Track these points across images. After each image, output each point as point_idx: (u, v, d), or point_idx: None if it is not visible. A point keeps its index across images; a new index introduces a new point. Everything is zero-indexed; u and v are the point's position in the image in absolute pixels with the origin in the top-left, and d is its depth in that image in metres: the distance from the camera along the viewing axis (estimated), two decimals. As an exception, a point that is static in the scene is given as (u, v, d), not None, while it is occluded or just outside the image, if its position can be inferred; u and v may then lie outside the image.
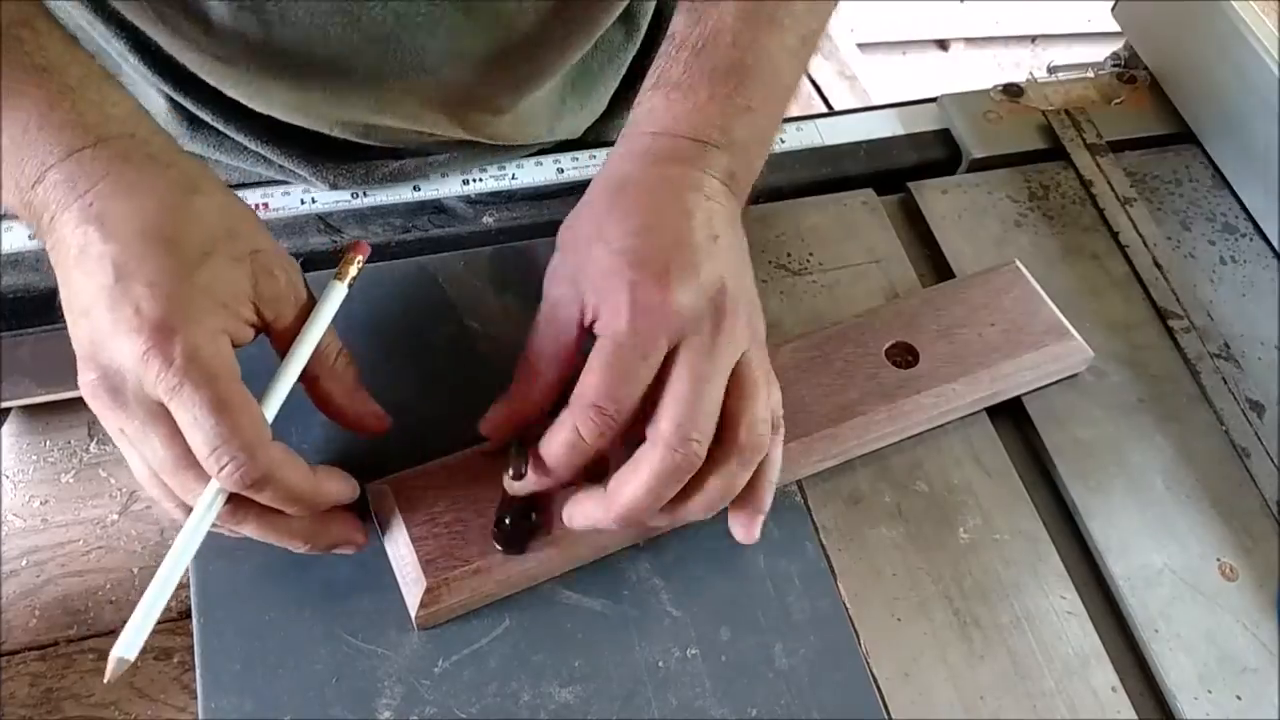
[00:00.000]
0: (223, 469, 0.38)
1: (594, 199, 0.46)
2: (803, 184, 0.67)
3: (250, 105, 0.57)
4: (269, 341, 0.44)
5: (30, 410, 1.57)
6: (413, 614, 0.45)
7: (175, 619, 1.34)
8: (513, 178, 0.64)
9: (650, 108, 0.47)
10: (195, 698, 0.45)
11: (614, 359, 0.41)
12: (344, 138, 0.60)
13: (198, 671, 0.45)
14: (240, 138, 0.60)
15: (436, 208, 0.64)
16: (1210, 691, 0.48)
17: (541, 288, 0.47)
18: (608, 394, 0.41)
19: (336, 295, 0.46)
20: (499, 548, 0.46)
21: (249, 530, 0.43)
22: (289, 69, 0.53)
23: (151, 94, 0.60)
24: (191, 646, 0.46)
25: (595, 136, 0.69)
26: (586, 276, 0.44)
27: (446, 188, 0.63)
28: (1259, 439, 0.56)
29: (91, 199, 0.40)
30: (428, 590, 0.45)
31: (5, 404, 1.47)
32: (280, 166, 0.62)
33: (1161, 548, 0.52)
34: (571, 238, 0.46)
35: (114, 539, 1.45)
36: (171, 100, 0.60)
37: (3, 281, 0.58)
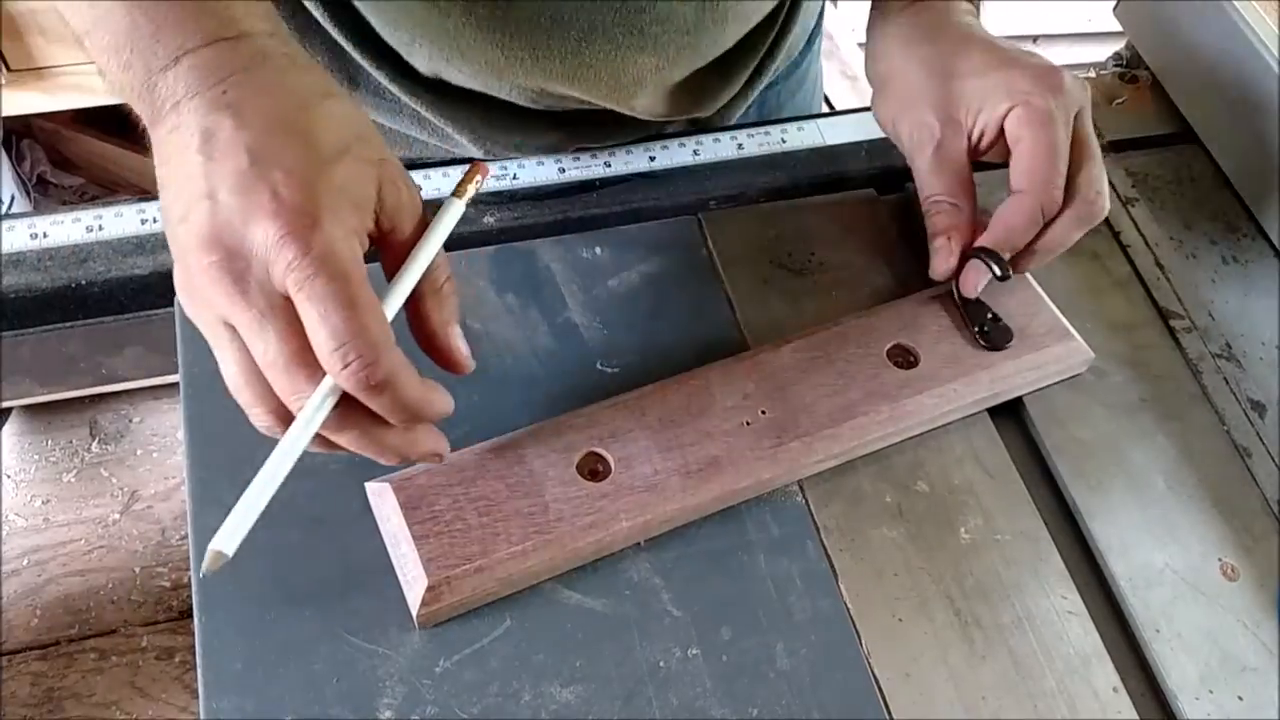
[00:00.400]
0: (347, 366, 0.37)
1: (921, 55, 0.58)
2: (804, 184, 0.67)
3: (444, 64, 0.58)
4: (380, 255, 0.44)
5: (31, 410, 1.57)
6: (414, 613, 0.45)
7: (176, 618, 1.35)
8: (513, 178, 0.64)
9: None
10: (196, 697, 0.45)
11: (1050, 141, 0.52)
12: (520, 103, 0.61)
13: (199, 671, 0.45)
14: (403, 95, 0.61)
15: (437, 208, 0.64)
16: (1211, 691, 0.48)
17: (542, 286, 0.47)
18: (1059, 170, 0.52)
19: (455, 211, 0.45)
20: (994, 349, 0.55)
21: (347, 440, 0.41)
22: (507, 30, 0.55)
23: (316, 43, 0.60)
24: (193, 646, 0.46)
25: (721, 118, 0.71)
26: (967, 101, 0.55)
27: (447, 187, 0.63)
28: (1260, 439, 0.56)
29: (226, 88, 0.39)
30: (429, 589, 0.45)
31: (6, 404, 1.47)
32: (436, 128, 0.63)
33: (1163, 548, 0.52)
34: (912, 89, 0.58)
35: (115, 538, 1.45)
36: (335, 50, 0.60)
37: (3, 281, 0.58)
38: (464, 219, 0.64)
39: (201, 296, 0.39)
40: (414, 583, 0.45)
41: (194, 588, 0.46)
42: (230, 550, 0.39)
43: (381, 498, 0.47)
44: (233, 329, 0.39)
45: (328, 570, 0.47)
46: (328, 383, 0.38)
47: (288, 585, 0.47)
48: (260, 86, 0.40)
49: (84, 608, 1.38)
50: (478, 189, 0.47)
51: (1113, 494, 0.54)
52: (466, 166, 0.48)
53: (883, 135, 0.61)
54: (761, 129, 0.68)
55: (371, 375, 0.38)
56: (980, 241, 0.55)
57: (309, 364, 0.38)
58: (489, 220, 0.64)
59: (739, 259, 0.59)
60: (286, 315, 0.38)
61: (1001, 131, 0.54)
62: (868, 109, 0.64)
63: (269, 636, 0.45)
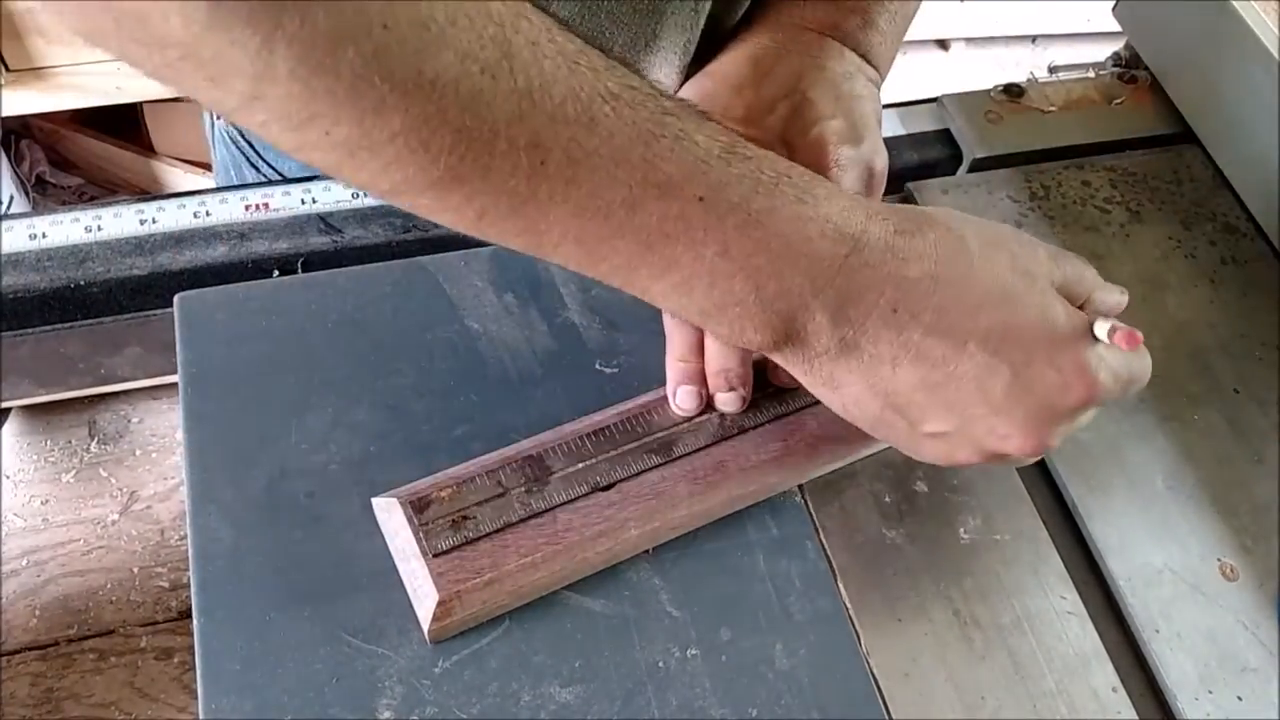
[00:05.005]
0: None
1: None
2: (803, 184, 0.67)
3: None
4: None
5: (31, 410, 1.57)
6: (425, 628, 0.45)
7: (175, 619, 1.35)
8: (513, 178, 0.64)
9: None
10: (195, 698, 0.45)
11: None
12: None
13: (198, 671, 0.45)
14: None
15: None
16: (1211, 692, 0.48)
17: (541, 286, 0.48)
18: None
19: None
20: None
21: None
22: None
23: None
24: (192, 646, 0.46)
25: None
26: None
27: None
28: (1260, 439, 0.56)
29: (896, 306, 0.40)
30: (440, 603, 0.44)
31: (5, 404, 1.47)
32: None
33: (1162, 548, 0.52)
34: None
35: (114, 539, 1.45)
36: None
37: (2, 282, 0.58)
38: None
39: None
40: (424, 598, 0.45)
41: (193, 588, 0.46)
42: None
43: (389, 513, 0.47)
44: None
45: (327, 571, 0.47)
46: None
47: (287, 585, 0.46)
48: (930, 288, 0.40)
49: (83, 608, 1.38)
50: None
51: (1112, 494, 0.53)
52: None
53: (883, 135, 0.61)
54: (761, 129, 0.68)
55: None
56: None
57: None
58: (488, 220, 0.64)
59: (738, 259, 0.59)
60: None
61: None
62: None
63: (268, 637, 0.45)
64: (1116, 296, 0.46)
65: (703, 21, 0.55)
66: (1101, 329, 0.42)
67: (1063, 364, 0.41)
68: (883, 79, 0.54)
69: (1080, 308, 0.44)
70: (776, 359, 0.43)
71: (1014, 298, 0.41)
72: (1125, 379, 0.43)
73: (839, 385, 0.43)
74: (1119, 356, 0.43)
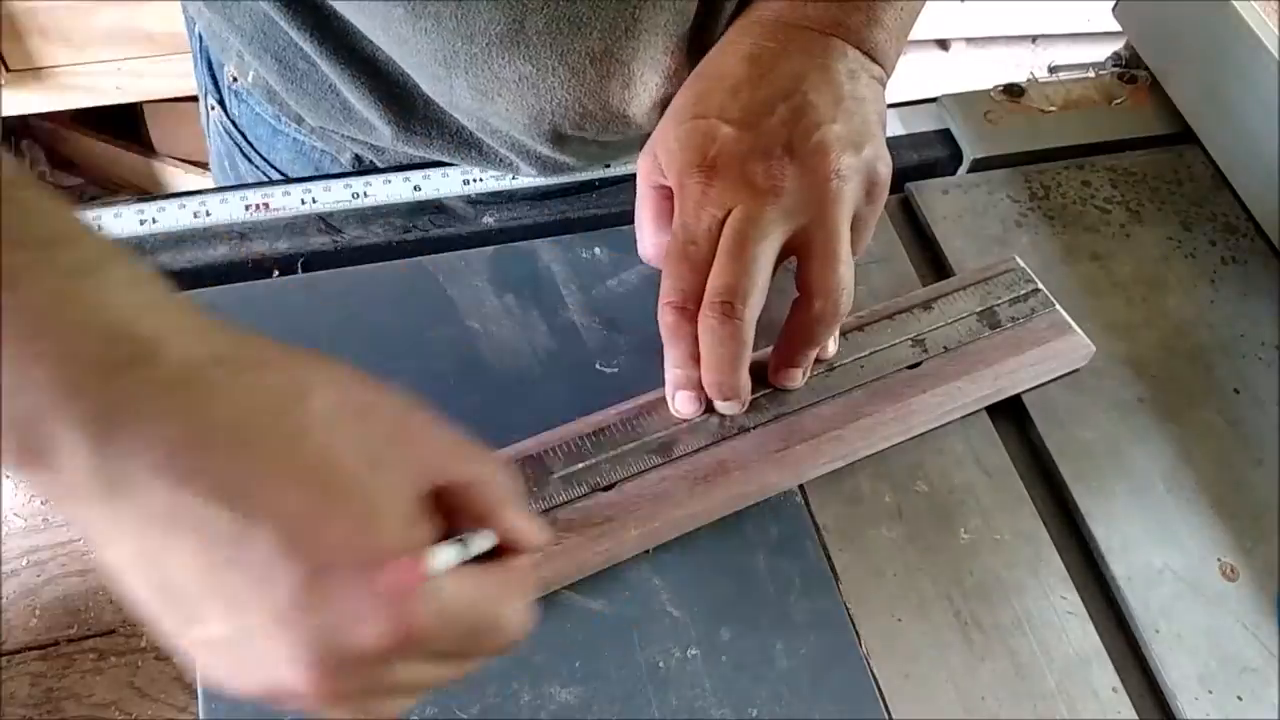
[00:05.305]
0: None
1: None
2: (803, 184, 0.67)
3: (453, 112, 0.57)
4: None
5: (31, 410, 1.56)
6: None
7: (175, 619, 1.34)
8: (513, 178, 0.64)
9: None
10: (195, 697, 0.45)
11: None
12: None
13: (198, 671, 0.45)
14: (462, 134, 0.60)
15: (437, 207, 0.64)
16: (1211, 692, 0.48)
17: (541, 286, 0.47)
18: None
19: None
20: None
21: None
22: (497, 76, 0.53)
23: (374, 117, 0.59)
24: (192, 647, 0.46)
25: None
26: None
27: (447, 187, 0.63)
28: (1260, 439, 0.56)
29: (169, 449, 0.30)
30: None
31: (5, 404, 1.47)
32: (498, 156, 0.61)
33: (1162, 548, 0.52)
34: None
35: (114, 539, 1.45)
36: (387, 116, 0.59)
37: (2, 282, 0.58)
38: (464, 219, 0.64)
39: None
40: None
41: (193, 588, 0.46)
42: None
43: None
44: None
45: (327, 570, 0.47)
46: None
47: (287, 585, 0.46)
48: (232, 440, 0.30)
49: (83, 608, 1.38)
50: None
51: (1112, 494, 0.53)
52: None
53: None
54: (761, 129, 0.68)
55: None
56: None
57: None
58: (489, 220, 0.64)
59: (738, 259, 0.59)
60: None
61: None
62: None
63: (268, 637, 0.45)
64: (530, 533, 0.36)
65: (693, 6, 0.54)
66: (448, 554, 0.33)
67: (374, 585, 0.30)
68: (888, 76, 0.53)
69: (481, 519, 0.35)
70: (34, 487, 0.30)
71: (343, 486, 0.31)
72: (467, 626, 0.33)
73: (107, 543, 0.30)
74: (468, 594, 0.33)
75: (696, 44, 0.55)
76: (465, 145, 0.61)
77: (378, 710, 0.33)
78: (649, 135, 0.53)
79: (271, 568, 0.29)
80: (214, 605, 0.30)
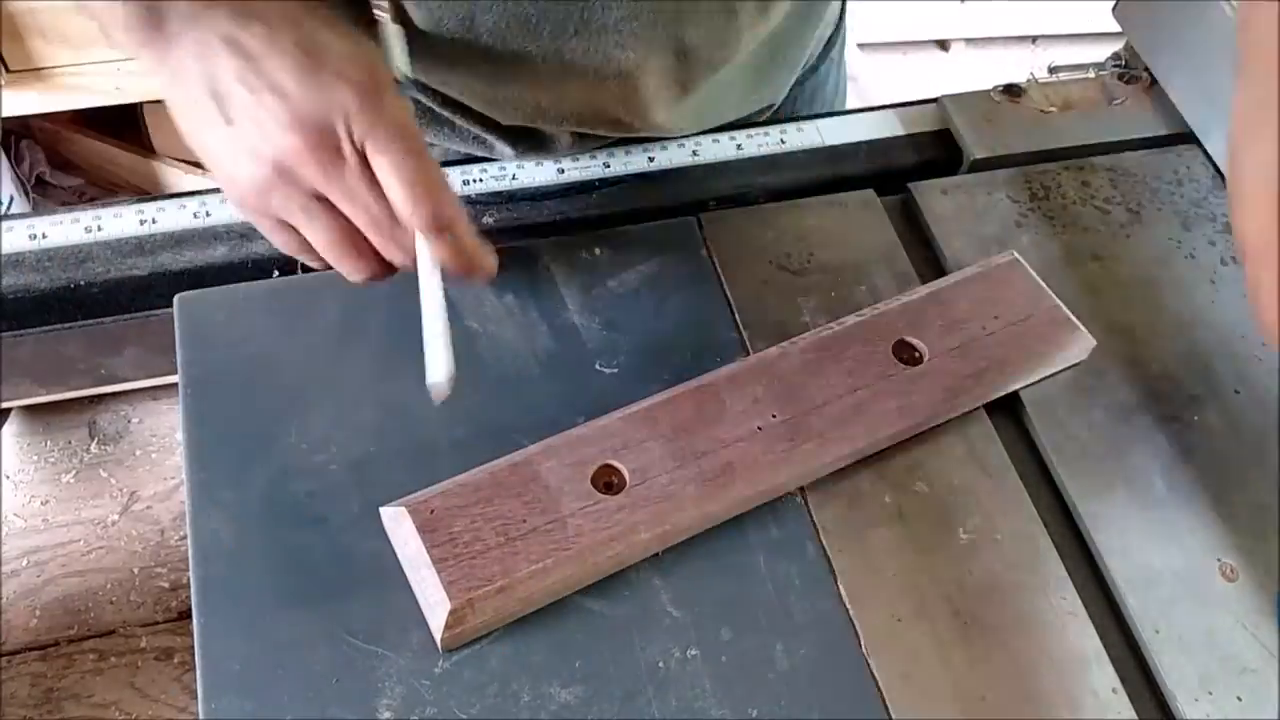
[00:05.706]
0: (418, 208, 0.43)
1: None
2: (803, 184, 0.67)
3: (459, 98, 0.61)
4: None
5: (31, 410, 1.57)
6: (438, 637, 0.45)
7: (175, 619, 1.35)
8: (513, 178, 0.64)
9: None
10: (195, 698, 0.45)
11: None
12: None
13: (198, 671, 0.45)
14: (464, 124, 0.64)
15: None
16: (1211, 693, 0.48)
17: (541, 286, 0.49)
18: None
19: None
20: None
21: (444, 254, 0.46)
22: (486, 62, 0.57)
23: None
24: (192, 646, 0.46)
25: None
26: None
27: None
28: (1260, 439, 0.56)
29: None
30: (452, 612, 0.44)
31: (5, 404, 1.47)
32: (494, 146, 0.65)
33: (1162, 548, 0.52)
34: None
35: (114, 539, 1.45)
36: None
37: (3, 281, 0.58)
38: (463, 219, 0.64)
39: (288, 181, 0.43)
40: (436, 606, 0.45)
41: (193, 588, 0.46)
42: (444, 378, 0.45)
43: (397, 522, 0.47)
44: (324, 202, 0.44)
45: (327, 571, 0.47)
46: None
47: (287, 586, 0.46)
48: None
49: (83, 608, 1.38)
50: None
51: (1112, 494, 0.53)
52: None
53: (882, 136, 0.61)
54: (761, 129, 0.68)
55: (439, 215, 0.44)
56: None
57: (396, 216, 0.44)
58: (488, 220, 0.64)
59: (738, 260, 0.59)
60: (371, 177, 0.43)
61: None
62: (867, 109, 0.64)
63: (268, 637, 0.45)
64: (402, 168, 0.44)
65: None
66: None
67: (358, 88, 0.43)
68: None
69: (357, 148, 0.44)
70: (135, 44, 0.44)
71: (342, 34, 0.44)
72: (415, 139, 0.44)
73: (178, 70, 0.44)
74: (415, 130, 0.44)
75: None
76: (438, 122, 0.65)
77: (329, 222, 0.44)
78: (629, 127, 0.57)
79: (285, 69, 0.42)
80: (240, 99, 0.42)
